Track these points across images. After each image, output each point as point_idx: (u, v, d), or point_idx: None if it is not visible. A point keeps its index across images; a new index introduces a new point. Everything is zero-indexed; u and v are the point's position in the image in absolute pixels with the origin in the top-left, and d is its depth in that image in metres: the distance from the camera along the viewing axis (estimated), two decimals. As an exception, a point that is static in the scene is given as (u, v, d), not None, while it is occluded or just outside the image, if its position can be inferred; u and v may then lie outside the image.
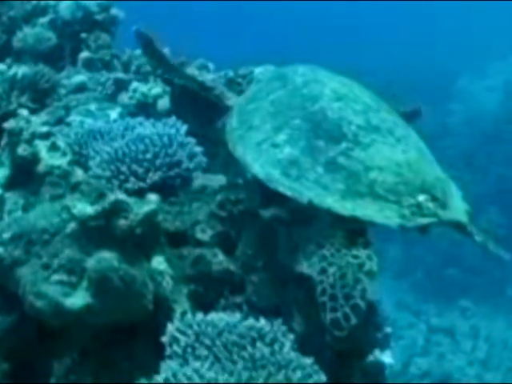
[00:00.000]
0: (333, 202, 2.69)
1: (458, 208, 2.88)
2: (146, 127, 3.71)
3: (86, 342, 2.92)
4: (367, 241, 2.77)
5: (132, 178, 3.43)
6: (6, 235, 2.92)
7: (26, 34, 5.38)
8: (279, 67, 3.65)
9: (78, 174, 3.60)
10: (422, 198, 2.72)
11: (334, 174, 2.73)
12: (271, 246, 3.25)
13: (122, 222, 2.84)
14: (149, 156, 3.47)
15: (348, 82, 3.18)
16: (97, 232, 2.88)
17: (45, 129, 3.72)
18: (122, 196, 2.88)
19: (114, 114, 4.28)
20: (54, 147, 3.61)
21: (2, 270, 2.90)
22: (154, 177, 3.45)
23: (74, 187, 3.49)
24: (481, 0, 23.94)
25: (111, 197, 2.83)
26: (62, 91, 4.77)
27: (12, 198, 3.48)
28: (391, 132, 2.91)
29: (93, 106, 4.32)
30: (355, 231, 2.78)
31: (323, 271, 2.70)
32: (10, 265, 2.88)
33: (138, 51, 5.17)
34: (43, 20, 5.56)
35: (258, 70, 3.70)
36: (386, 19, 24.93)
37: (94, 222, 2.86)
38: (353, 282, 2.63)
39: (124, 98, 4.93)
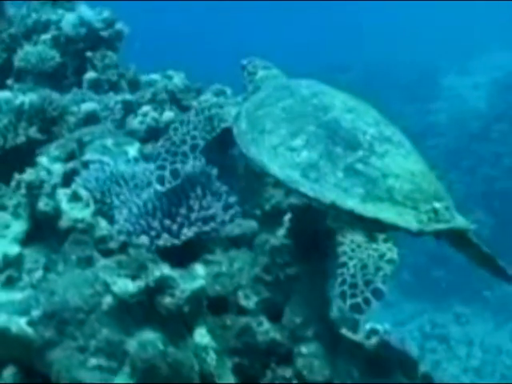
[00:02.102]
0: (354, 204, 2.77)
1: (462, 218, 2.95)
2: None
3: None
4: (387, 237, 2.82)
5: (165, 235, 3.14)
6: (36, 313, 2.61)
7: (28, 53, 5.02)
8: (280, 77, 3.60)
9: (103, 226, 3.30)
10: (437, 205, 2.82)
11: (353, 179, 2.81)
12: (321, 312, 3.02)
13: (168, 301, 2.55)
14: (183, 211, 3.18)
15: (353, 97, 3.28)
16: (138, 309, 2.59)
17: (62, 170, 3.42)
18: (166, 270, 2.59)
19: (132, 150, 3.95)
20: (75, 197, 3.30)
21: (31, 353, 2.60)
22: (189, 233, 3.16)
23: (99, 242, 3.23)
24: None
25: (156, 272, 2.54)
26: (71, 119, 4.42)
27: (32, 256, 3.16)
28: (402, 144, 3.03)
29: (109, 142, 3.98)
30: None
31: (343, 265, 2.73)
32: (41, 347, 2.58)
33: (153, 76, 4.85)
34: (45, 37, 5.19)
35: (260, 73, 3.61)
36: (371, 17, 24.71)
37: (135, 298, 2.57)
38: (374, 270, 2.69)
39: (133, 122, 4.61)
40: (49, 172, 3.19)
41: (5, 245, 3.15)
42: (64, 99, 4.62)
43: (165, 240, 3.13)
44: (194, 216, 3.20)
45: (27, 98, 4.24)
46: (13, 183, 3.49)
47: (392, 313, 13.44)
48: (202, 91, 4.79)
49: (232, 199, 3.39)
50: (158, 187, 3.18)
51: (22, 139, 4.09)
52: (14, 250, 3.12)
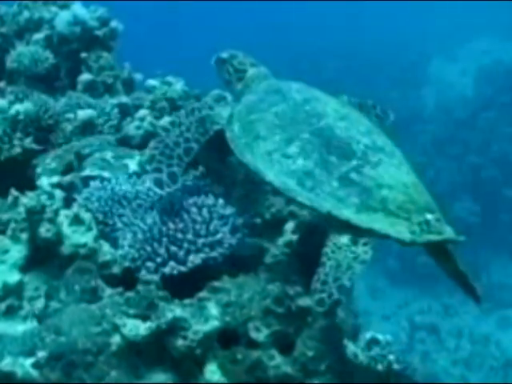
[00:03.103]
0: (349, 214, 2.78)
1: (452, 230, 2.94)
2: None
3: None
4: (367, 241, 2.84)
5: (171, 262, 3.03)
6: (42, 354, 2.51)
7: (21, 54, 4.83)
8: (270, 77, 3.49)
9: (106, 250, 3.18)
10: (429, 216, 2.83)
11: (348, 189, 2.82)
12: (334, 344, 2.94)
13: (180, 343, 2.46)
14: (189, 236, 3.08)
15: (344, 103, 3.30)
16: (148, 350, 2.50)
17: (63, 194, 3.29)
18: (178, 311, 2.49)
19: (132, 164, 3.80)
20: (77, 220, 3.18)
21: (37, 396, 2.49)
22: (196, 260, 3.06)
23: (103, 267, 3.12)
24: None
25: (168, 314, 2.44)
26: (68, 127, 4.27)
27: (32, 283, 3.04)
28: (394, 154, 3.03)
29: (108, 155, 3.83)
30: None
31: (322, 265, 2.79)
32: (47, 390, 2.48)
33: (151, 82, 4.69)
34: (38, 36, 4.99)
35: (250, 72, 3.48)
36: (359, 4, 24.49)
37: (146, 340, 2.48)
38: (345, 268, 2.77)
39: (130, 126, 4.47)
40: (51, 196, 3.05)
41: (4, 271, 3.03)
42: (59, 104, 4.47)
43: (171, 267, 3.03)
44: (201, 242, 3.10)
45: (22, 107, 4.09)
46: (9, 198, 3.36)
47: (380, 300, 13.53)
48: (201, 98, 4.64)
49: (239, 221, 3.29)
50: (158, 190, 3.13)
51: (17, 150, 3.96)
52: (14, 277, 3.00)
